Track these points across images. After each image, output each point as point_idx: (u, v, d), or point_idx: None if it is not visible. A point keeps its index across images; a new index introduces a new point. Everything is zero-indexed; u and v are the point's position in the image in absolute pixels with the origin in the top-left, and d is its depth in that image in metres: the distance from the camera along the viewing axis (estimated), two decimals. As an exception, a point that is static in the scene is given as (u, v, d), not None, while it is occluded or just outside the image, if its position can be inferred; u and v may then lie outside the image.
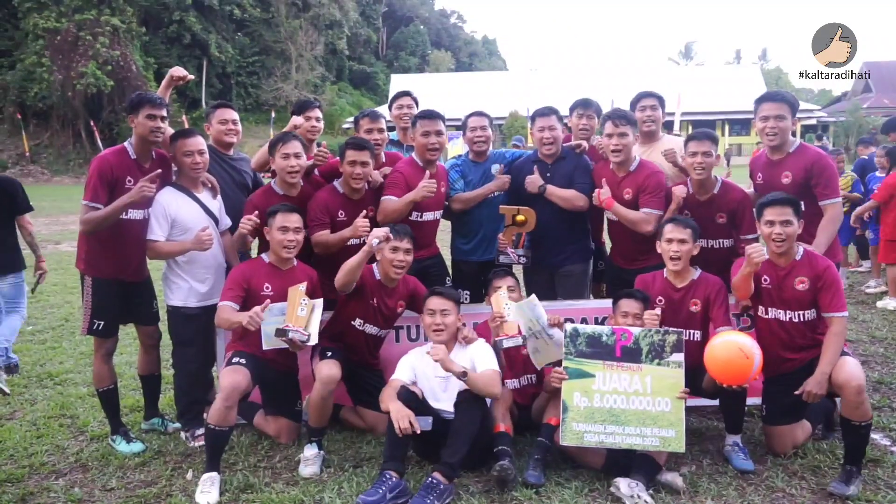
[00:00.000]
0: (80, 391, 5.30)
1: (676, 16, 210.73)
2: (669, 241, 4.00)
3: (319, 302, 4.02)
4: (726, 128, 47.71)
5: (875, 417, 4.14)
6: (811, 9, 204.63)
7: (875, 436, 4.05)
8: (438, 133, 4.63)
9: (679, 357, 3.68)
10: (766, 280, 3.90)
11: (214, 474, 3.71)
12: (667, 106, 5.12)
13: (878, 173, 8.77)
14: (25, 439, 4.43)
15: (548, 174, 4.77)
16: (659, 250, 4.10)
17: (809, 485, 3.60)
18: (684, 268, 4.05)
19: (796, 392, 3.69)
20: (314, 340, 3.89)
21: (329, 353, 4.04)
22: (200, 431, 4.31)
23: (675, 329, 3.78)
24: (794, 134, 4.40)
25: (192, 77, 4.56)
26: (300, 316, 3.86)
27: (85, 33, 42.48)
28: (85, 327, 4.22)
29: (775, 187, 4.21)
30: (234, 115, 4.75)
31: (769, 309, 3.92)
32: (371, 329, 4.25)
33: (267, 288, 4.05)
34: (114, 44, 43.49)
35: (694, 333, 4.05)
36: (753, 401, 4.23)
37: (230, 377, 3.78)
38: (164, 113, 4.14)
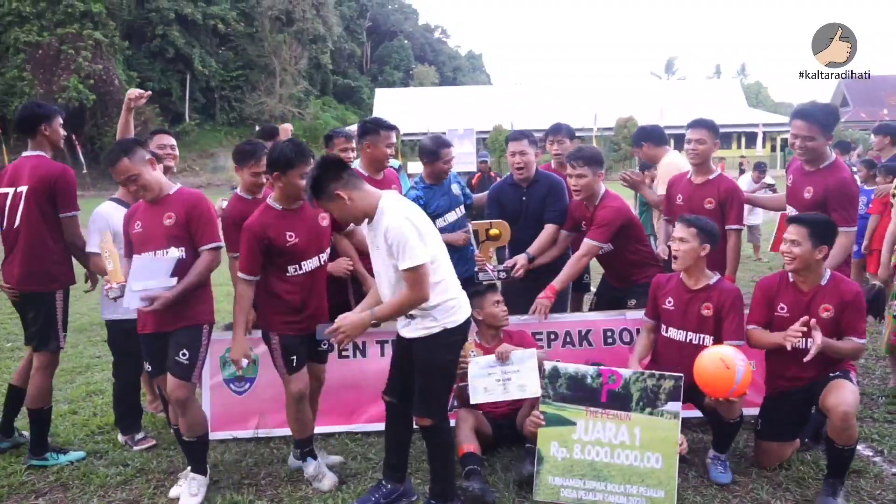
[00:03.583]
0: (60, 409, 5.22)
1: (658, 31, 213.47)
2: (673, 239, 3.99)
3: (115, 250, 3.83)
4: (718, 141, 48.13)
5: (857, 428, 4.16)
6: (789, 26, 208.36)
7: (858, 447, 4.07)
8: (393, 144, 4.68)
9: (675, 406, 3.34)
10: (782, 308, 3.77)
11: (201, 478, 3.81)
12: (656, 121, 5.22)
13: (864, 186, 8.78)
14: (4, 458, 4.35)
15: (523, 198, 4.81)
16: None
17: (794, 496, 3.62)
18: (695, 269, 3.92)
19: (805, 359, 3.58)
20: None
21: (294, 362, 3.78)
22: (140, 436, 4.51)
23: (672, 374, 3.46)
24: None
25: (148, 93, 4.79)
26: (111, 269, 3.79)
27: (67, 47, 42.33)
28: (63, 343, 4.27)
29: (797, 198, 4.22)
30: (172, 141, 4.95)
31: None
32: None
33: (138, 225, 3.71)
34: (96, 58, 43.38)
35: (703, 338, 3.91)
36: (751, 411, 4.22)
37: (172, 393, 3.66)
38: None
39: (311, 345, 3.87)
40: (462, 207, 4.91)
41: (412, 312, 3.32)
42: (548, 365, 3.60)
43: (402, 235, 3.12)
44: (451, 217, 4.83)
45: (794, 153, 4.25)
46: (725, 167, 22.17)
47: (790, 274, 3.78)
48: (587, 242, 4.53)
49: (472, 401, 3.99)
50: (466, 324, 3.44)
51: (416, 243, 3.12)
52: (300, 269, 3.72)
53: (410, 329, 3.38)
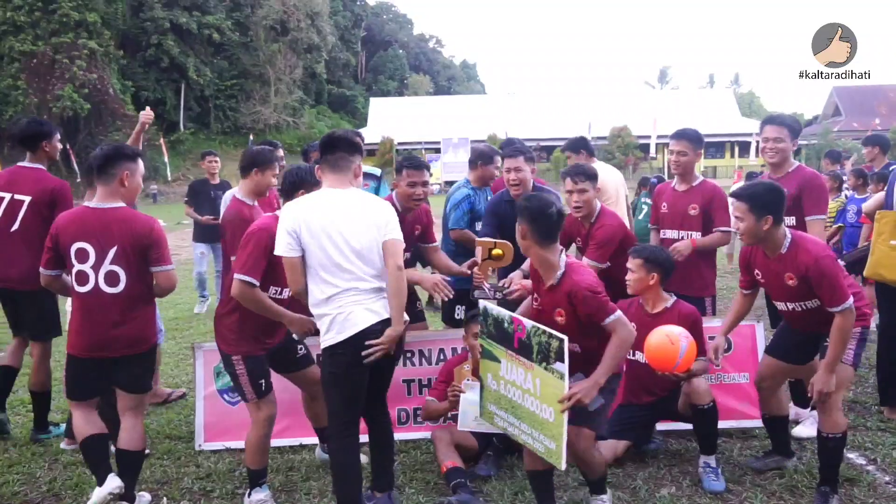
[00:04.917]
0: (54, 418, 5.20)
1: (652, 41, 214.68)
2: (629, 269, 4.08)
3: None
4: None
5: (850, 437, 4.17)
6: (782, 36, 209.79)
7: (851, 455, 4.09)
8: (424, 184, 4.49)
9: (561, 367, 3.08)
10: (758, 274, 3.77)
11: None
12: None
13: (855, 195, 8.81)
14: (-4, 469, 4.33)
15: None
16: None
17: (787, 505, 3.63)
18: (650, 295, 4.05)
19: (809, 397, 3.60)
20: None
21: (263, 386, 3.64)
22: None
23: (558, 334, 3.07)
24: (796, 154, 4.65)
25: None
26: None
27: (62, 56, 42.34)
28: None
29: None
30: None
31: (773, 301, 3.87)
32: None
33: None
34: (91, 67, 43.39)
35: None
36: (729, 423, 4.29)
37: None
38: None
39: (286, 355, 3.83)
40: None
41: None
42: (481, 303, 3.52)
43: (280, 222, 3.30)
44: None
45: (764, 158, 4.60)
46: (718, 175, 22.36)
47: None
48: (587, 263, 4.45)
49: (460, 427, 3.97)
50: (344, 343, 3.23)
51: (279, 234, 3.25)
52: (281, 293, 3.61)
53: None
